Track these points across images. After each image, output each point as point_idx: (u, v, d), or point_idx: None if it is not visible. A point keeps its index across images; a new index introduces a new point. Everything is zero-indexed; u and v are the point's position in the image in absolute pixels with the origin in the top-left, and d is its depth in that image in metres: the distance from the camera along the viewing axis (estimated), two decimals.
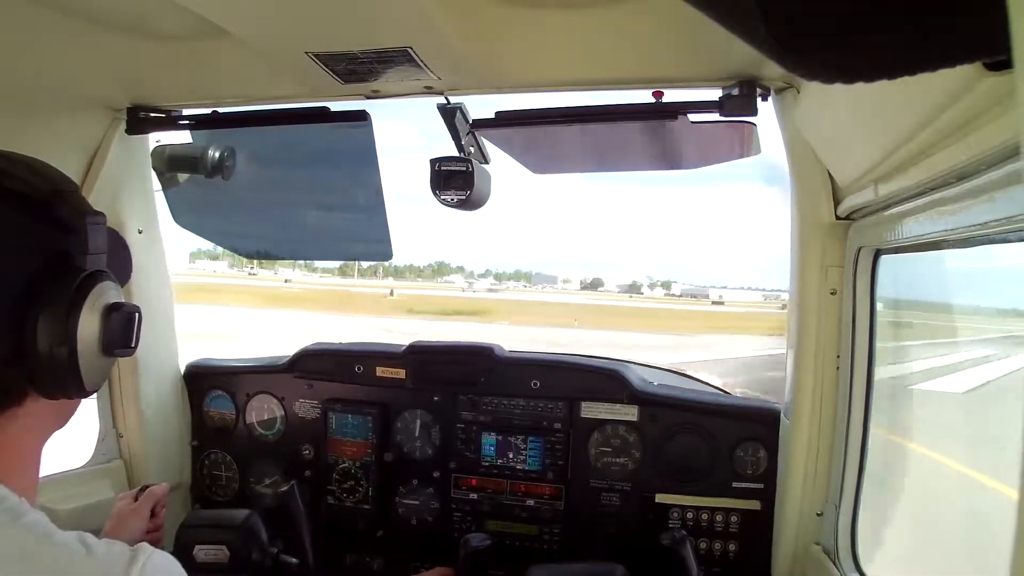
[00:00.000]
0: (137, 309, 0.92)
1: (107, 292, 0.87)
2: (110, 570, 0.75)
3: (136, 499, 1.61)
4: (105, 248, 0.88)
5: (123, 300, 0.90)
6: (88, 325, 0.83)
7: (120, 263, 1.18)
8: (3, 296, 0.77)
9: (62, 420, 0.92)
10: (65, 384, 0.83)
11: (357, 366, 2.06)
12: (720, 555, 1.84)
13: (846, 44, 0.42)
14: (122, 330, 0.89)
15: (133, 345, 0.92)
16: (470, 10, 1.16)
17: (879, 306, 1.46)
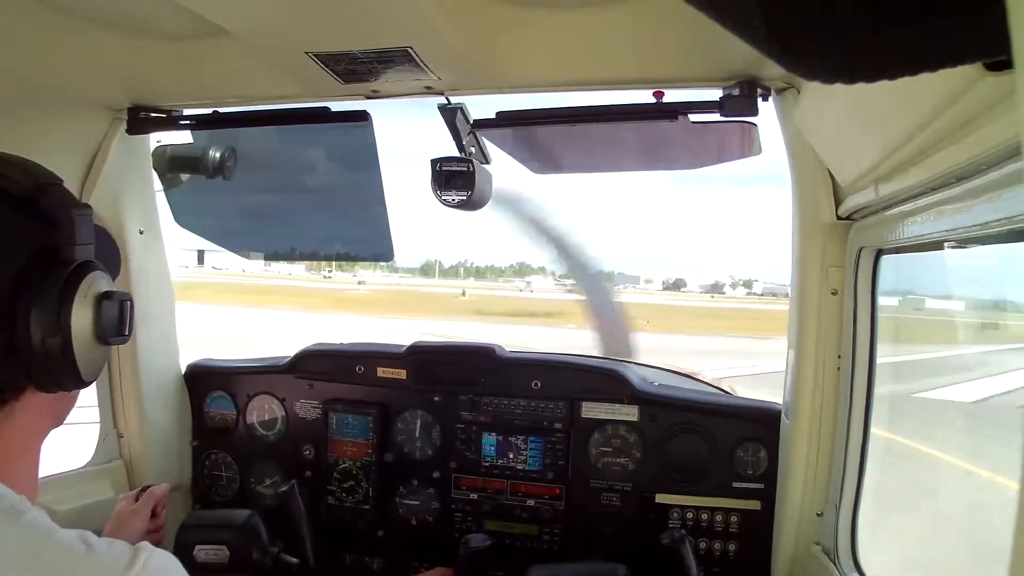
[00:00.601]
0: (128, 297, 0.92)
1: (97, 282, 0.87)
2: (111, 568, 0.75)
3: (137, 499, 1.61)
4: (93, 239, 0.88)
5: (114, 289, 0.90)
6: (80, 315, 0.84)
7: (109, 259, 1.19)
8: None
9: (59, 416, 0.92)
10: (62, 376, 0.83)
11: (358, 366, 2.06)
12: (720, 555, 1.84)
13: (846, 44, 0.42)
14: (115, 318, 0.89)
15: (127, 333, 0.92)
16: (470, 10, 1.16)
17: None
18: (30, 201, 0.82)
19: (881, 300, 1.44)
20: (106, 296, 0.88)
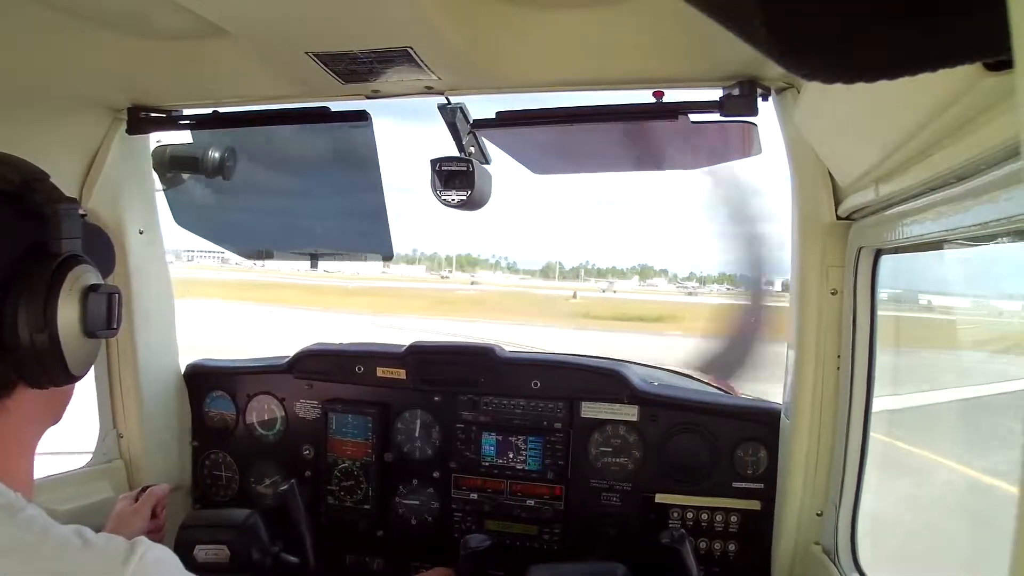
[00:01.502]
0: (116, 290, 0.92)
1: (84, 275, 0.87)
2: (108, 563, 0.75)
3: (137, 500, 1.61)
4: (80, 234, 0.88)
5: (101, 282, 0.90)
6: (67, 309, 0.84)
7: (104, 257, 1.21)
8: None
9: (54, 413, 0.92)
10: (51, 371, 0.83)
11: (357, 366, 2.06)
12: (720, 555, 1.84)
13: (846, 44, 0.42)
14: (103, 311, 0.89)
15: (115, 326, 0.92)
16: (470, 10, 1.16)
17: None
18: (17, 197, 0.82)
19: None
20: (92, 289, 0.87)
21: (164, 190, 1.97)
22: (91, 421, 1.94)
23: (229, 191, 1.97)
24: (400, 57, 1.32)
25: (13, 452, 0.85)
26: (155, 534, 1.59)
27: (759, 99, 1.41)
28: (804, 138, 1.40)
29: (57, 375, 0.84)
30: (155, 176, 1.94)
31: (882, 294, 1.45)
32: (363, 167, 1.83)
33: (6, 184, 0.81)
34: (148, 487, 1.66)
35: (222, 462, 2.17)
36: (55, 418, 0.93)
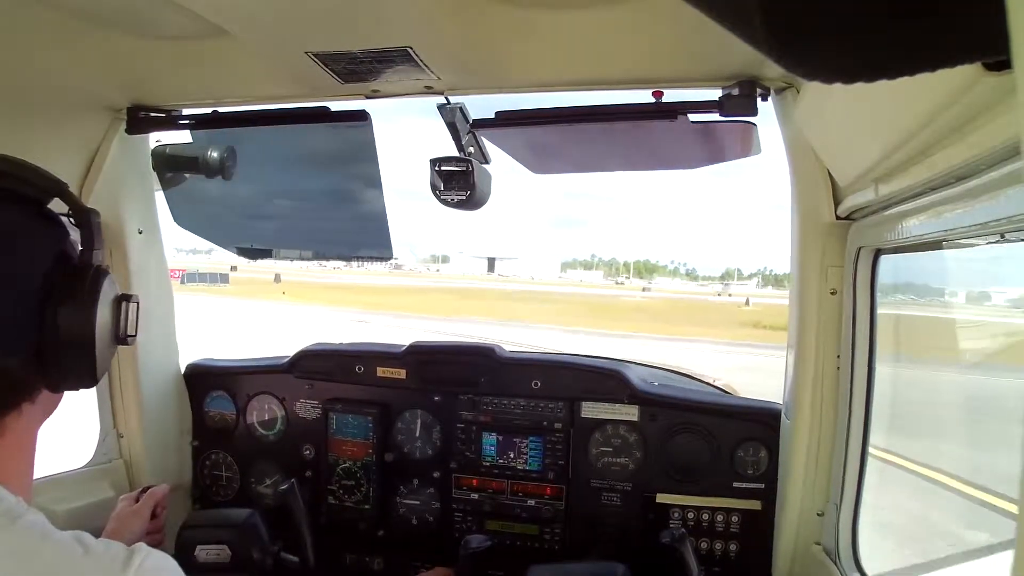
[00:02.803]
0: (138, 299, 0.97)
1: (113, 285, 0.91)
2: (107, 569, 0.75)
3: (137, 500, 1.61)
4: (103, 244, 0.92)
5: (129, 293, 0.95)
6: (104, 316, 0.87)
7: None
8: (23, 296, 0.80)
9: (49, 413, 0.94)
10: (80, 376, 0.86)
11: (357, 366, 2.06)
12: (721, 555, 1.84)
13: (846, 44, 0.42)
14: (131, 319, 0.94)
15: (135, 334, 0.97)
16: (470, 10, 1.16)
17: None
18: (40, 204, 0.84)
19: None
20: (125, 298, 0.92)
21: (164, 190, 1.97)
22: (91, 421, 1.94)
23: (228, 191, 1.97)
24: (400, 57, 1.32)
25: (20, 455, 0.86)
26: (155, 535, 1.59)
27: (759, 99, 1.41)
28: (804, 138, 1.40)
29: (84, 381, 0.87)
30: (155, 176, 1.94)
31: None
32: (363, 167, 1.83)
33: (39, 193, 0.84)
34: (148, 488, 1.66)
35: (222, 462, 2.17)
36: (47, 419, 0.95)
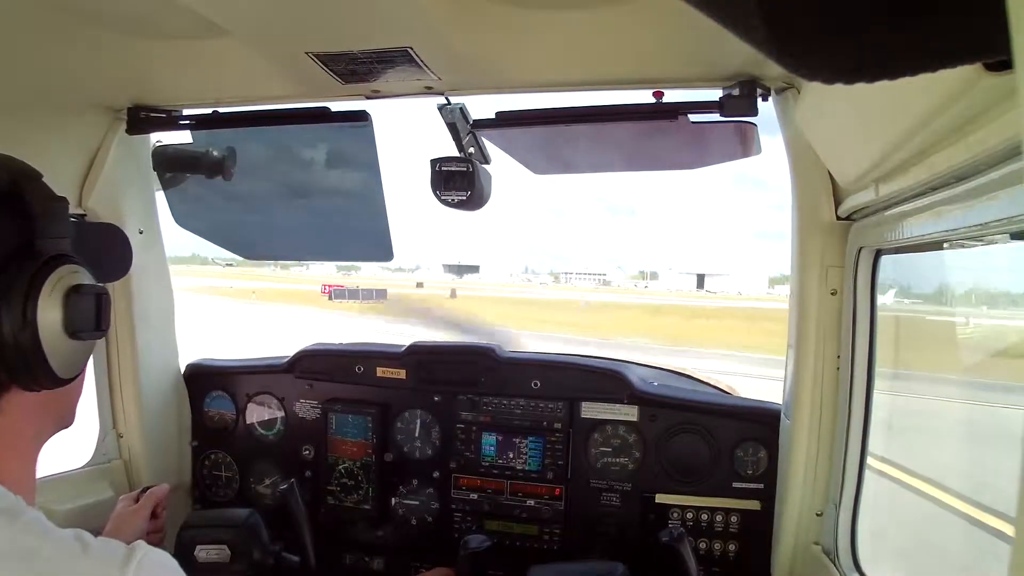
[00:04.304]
0: (104, 290, 0.90)
1: (69, 275, 0.85)
2: (107, 567, 0.75)
3: (137, 500, 1.61)
4: (67, 233, 0.87)
5: (88, 283, 0.88)
6: (48, 309, 0.82)
7: (118, 255, 1.18)
8: None
9: (56, 417, 0.91)
10: (36, 373, 0.82)
11: (357, 366, 2.06)
12: (720, 555, 1.84)
13: (846, 44, 0.42)
14: (88, 312, 0.87)
15: (103, 328, 0.90)
16: (470, 10, 1.16)
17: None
18: (6, 196, 0.81)
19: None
20: (75, 289, 0.85)
21: (164, 190, 1.97)
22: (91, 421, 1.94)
23: (229, 191, 1.97)
24: (400, 57, 1.32)
25: (11, 455, 0.84)
26: (155, 534, 1.59)
27: (759, 99, 1.41)
28: (804, 138, 1.40)
29: (42, 377, 0.83)
30: (155, 176, 1.94)
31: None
32: (363, 167, 1.83)
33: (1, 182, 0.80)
34: (148, 487, 1.66)
35: (222, 462, 2.17)
36: (59, 422, 0.92)
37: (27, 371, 0.81)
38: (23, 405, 0.84)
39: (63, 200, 0.87)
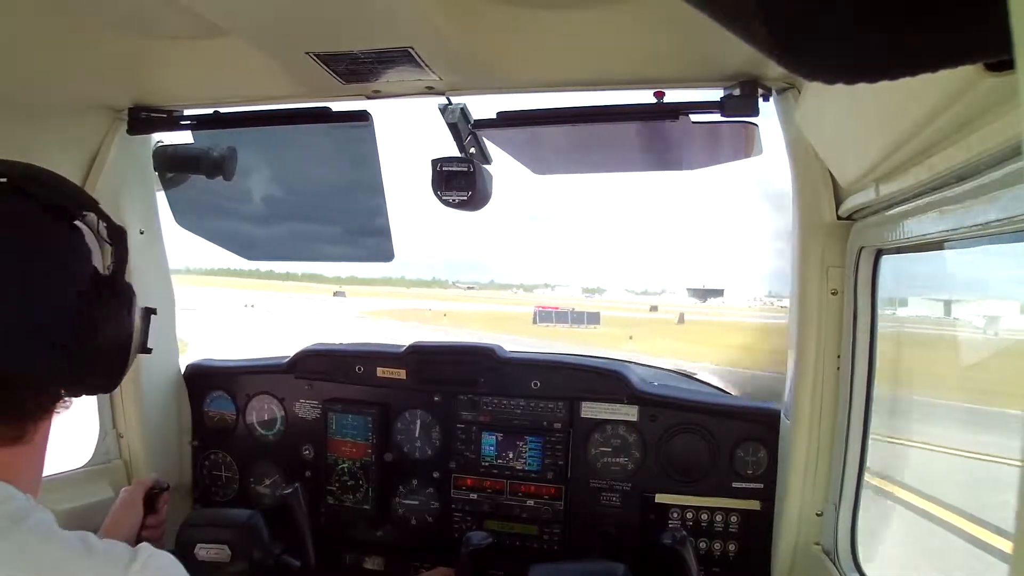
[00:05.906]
0: (155, 311, 1.02)
1: (136, 298, 0.95)
2: (111, 569, 0.76)
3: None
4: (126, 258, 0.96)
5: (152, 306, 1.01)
6: (137, 329, 0.93)
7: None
8: (63, 306, 0.82)
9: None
10: (107, 383, 0.90)
11: (357, 366, 2.06)
12: (720, 555, 1.84)
13: (846, 44, 0.42)
14: (150, 331, 1.00)
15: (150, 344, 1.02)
16: (471, 10, 1.16)
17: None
18: (88, 219, 0.89)
19: None
20: (152, 311, 0.99)
21: (165, 190, 1.97)
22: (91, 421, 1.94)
23: (229, 191, 1.97)
24: (401, 57, 1.32)
25: (36, 458, 0.88)
26: (155, 530, 1.59)
27: (760, 99, 1.41)
28: (805, 138, 1.40)
29: (109, 386, 0.91)
30: (156, 176, 1.94)
31: None
32: (364, 168, 1.83)
33: (75, 206, 0.87)
34: (139, 481, 1.66)
35: (222, 462, 2.17)
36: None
37: (99, 382, 0.89)
38: (44, 431, 0.88)
39: (125, 230, 0.96)
